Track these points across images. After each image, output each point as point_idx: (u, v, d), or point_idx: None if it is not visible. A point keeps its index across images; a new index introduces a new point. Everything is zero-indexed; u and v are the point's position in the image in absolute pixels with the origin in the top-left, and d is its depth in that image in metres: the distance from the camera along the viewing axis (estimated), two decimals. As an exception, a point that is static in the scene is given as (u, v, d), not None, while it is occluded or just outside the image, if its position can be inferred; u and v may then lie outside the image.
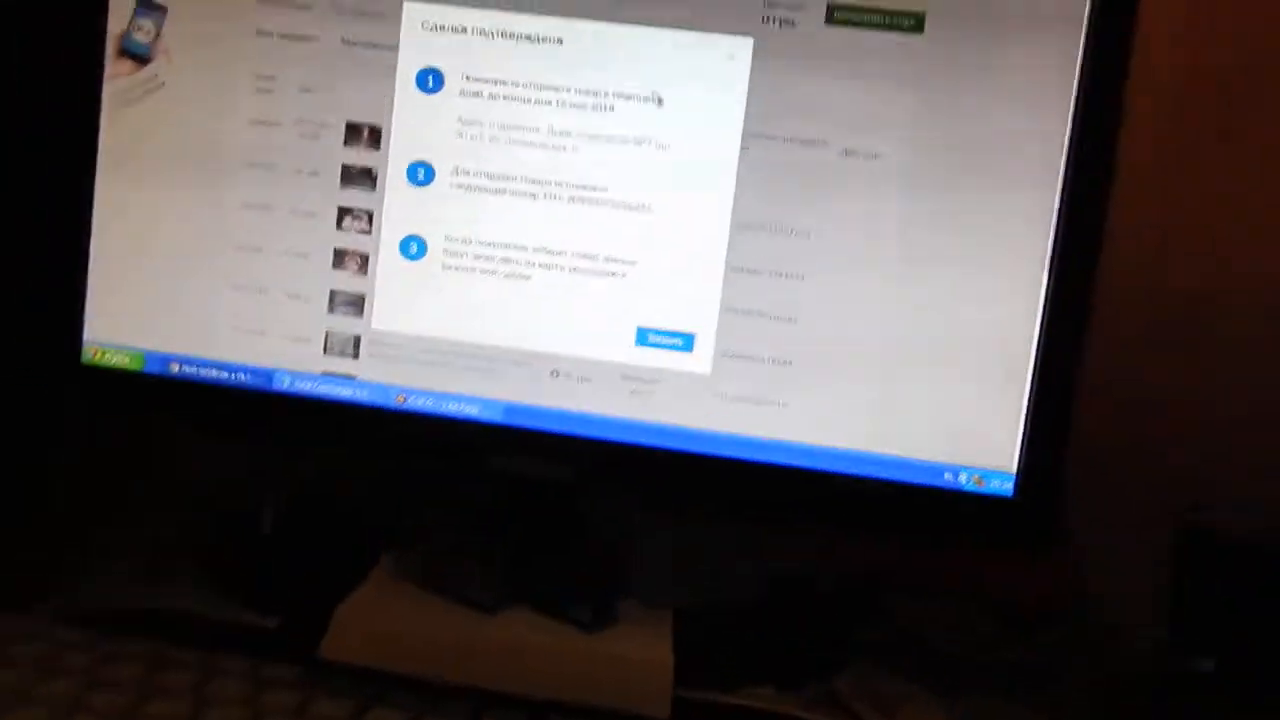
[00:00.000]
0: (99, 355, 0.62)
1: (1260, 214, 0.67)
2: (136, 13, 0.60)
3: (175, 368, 0.62)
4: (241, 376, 0.62)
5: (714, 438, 0.59)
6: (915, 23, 0.55)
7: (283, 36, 0.60)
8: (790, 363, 0.58)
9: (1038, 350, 0.56)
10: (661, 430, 0.59)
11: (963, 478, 0.57)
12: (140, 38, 0.61)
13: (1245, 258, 0.67)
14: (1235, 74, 0.66)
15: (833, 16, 0.56)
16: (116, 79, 0.61)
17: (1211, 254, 0.67)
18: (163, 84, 0.61)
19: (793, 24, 0.56)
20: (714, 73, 0.57)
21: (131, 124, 0.61)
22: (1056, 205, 0.55)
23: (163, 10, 0.60)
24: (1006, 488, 0.57)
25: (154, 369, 0.62)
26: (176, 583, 0.62)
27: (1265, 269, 0.67)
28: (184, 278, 0.61)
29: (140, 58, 0.61)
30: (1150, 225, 0.66)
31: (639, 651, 0.55)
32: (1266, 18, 0.66)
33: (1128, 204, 0.59)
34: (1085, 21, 0.54)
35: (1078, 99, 0.55)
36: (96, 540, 0.65)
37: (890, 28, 0.55)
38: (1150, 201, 0.66)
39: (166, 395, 0.62)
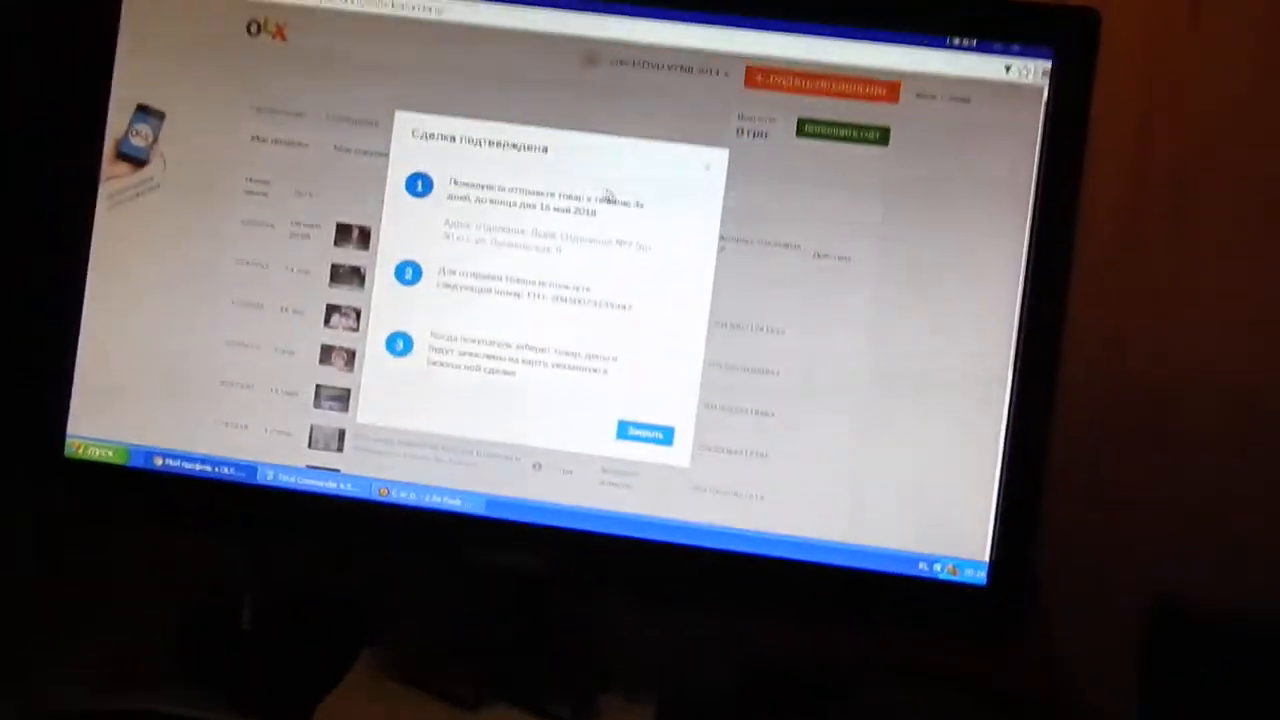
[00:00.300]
0: (82, 449, 0.63)
1: (1213, 303, 0.70)
2: (135, 118, 0.63)
3: (159, 462, 0.62)
4: (225, 470, 0.62)
5: (693, 529, 0.60)
6: (880, 135, 0.59)
7: (277, 142, 0.62)
8: (767, 455, 0.59)
9: (1006, 442, 0.58)
10: (642, 522, 0.60)
11: (937, 567, 0.59)
12: (137, 141, 0.63)
13: (1201, 346, 0.70)
14: (1187, 167, 0.70)
15: (802, 130, 0.59)
16: (112, 180, 0.63)
17: (1168, 344, 0.70)
18: (157, 186, 0.63)
19: (765, 136, 0.60)
20: (692, 181, 0.60)
21: (125, 223, 0.62)
22: (1018, 304, 0.58)
23: (160, 116, 0.63)
24: (980, 577, 0.59)
25: (138, 463, 0.62)
26: (152, 681, 0.61)
27: (1220, 356, 0.70)
28: (171, 373, 0.62)
29: (137, 160, 0.63)
30: (1108, 318, 0.69)
31: (621, 746, 0.56)
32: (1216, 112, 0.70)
33: (1085, 298, 0.62)
34: (1040, 130, 0.58)
35: (1035, 203, 0.58)
36: (69, 636, 0.64)
37: (857, 140, 0.59)
38: (1107, 295, 0.69)
39: (149, 489, 0.62)
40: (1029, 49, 0.58)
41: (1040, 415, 0.58)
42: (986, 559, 0.58)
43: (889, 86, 0.59)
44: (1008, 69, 0.59)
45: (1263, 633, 0.62)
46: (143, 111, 0.63)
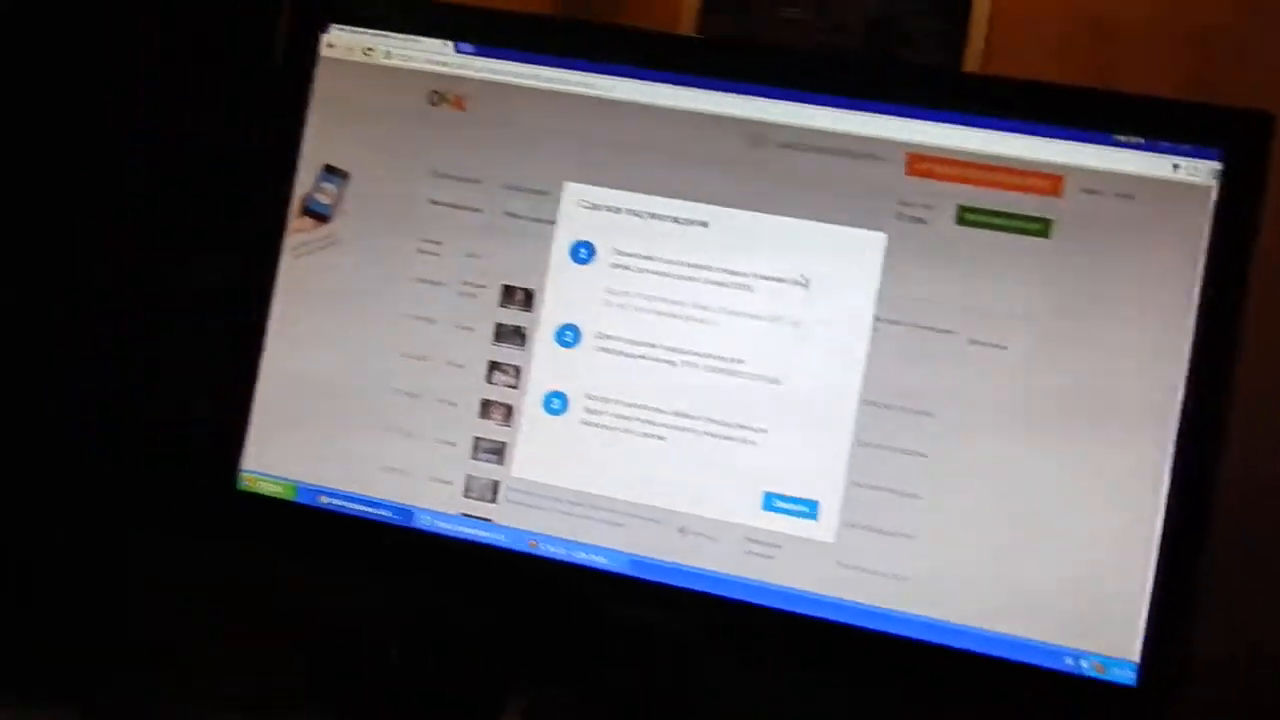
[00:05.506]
0: (253, 483, 0.67)
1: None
2: (321, 177, 0.67)
3: (323, 500, 0.66)
4: (384, 513, 0.65)
5: (834, 604, 0.61)
6: (1042, 227, 0.60)
7: (452, 205, 0.66)
8: (913, 537, 0.60)
9: (1162, 536, 0.58)
10: (783, 594, 0.61)
11: (1084, 664, 0.59)
12: (322, 199, 0.67)
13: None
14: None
15: (963, 218, 0.61)
16: (297, 233, 0.67)
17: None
18: (338, 241, 0.67)
19: (924, 222, 0.61)
20: (850, 263, 0.61)
21: (306, 274, 0.67)
22: (1179, 406, 0.58)
23: (345, 176, 0.67)
24: (1128, 676, 0.58)
25: (304, 500, 0.66)
26: (298, 711, 0.64)
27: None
28: (341, 417, 0.66)
29: (321, 216, 0.67)
30: (1260, 423, 0.68)
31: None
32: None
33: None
34: (1208, 231, 0.58)
35: (1199, 305, 0.58)
36: (222, 665, 0.67)
37: (1018, 231, 0.60)
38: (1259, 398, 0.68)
39: (311, 526, 0.66)
40: (1198, 149, 0.58)
41: (1198, 515, 0.57)
42: (1136, 658, 0.58)
43: (1052, 180, 0.60)
44: (1175, 168, 0.59)
45: None
46: (329, 171, 0.67)
